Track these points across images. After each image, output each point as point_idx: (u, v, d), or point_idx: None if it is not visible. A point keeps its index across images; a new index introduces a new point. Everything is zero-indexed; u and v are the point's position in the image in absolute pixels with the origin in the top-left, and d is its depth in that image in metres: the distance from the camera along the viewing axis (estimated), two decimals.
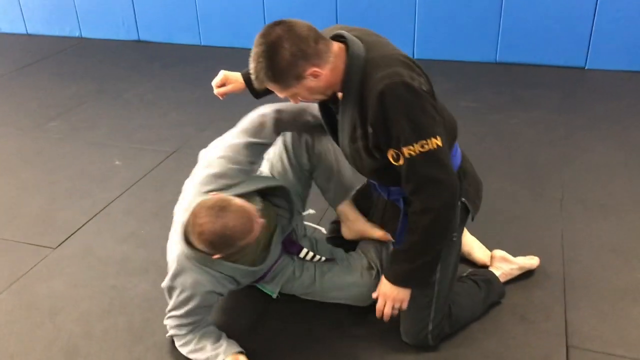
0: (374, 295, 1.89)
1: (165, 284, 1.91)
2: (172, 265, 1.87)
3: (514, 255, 2.30)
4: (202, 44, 5.43)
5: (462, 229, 2.05)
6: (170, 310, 1.96)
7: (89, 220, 2.80)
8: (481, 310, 2.11)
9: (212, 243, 1.70)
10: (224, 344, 1.93)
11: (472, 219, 1.98)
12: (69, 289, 2.36)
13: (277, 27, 1.58)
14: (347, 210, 2.18)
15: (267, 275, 2.06)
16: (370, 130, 1.67)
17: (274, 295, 2.11)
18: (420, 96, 1.60)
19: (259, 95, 2.15)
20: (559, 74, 4.41)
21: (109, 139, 3.64)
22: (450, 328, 2.01)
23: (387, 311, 1.86)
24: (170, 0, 5.36)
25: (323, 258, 2.11)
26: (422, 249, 1.74)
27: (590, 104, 3.89)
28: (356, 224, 2.16)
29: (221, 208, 1.69)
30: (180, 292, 1.87)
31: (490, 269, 2.26)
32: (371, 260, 2.11)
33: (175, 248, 1.86)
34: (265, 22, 5.11)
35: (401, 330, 2.01)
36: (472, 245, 2.37)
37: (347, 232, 2.21)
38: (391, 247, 2.09)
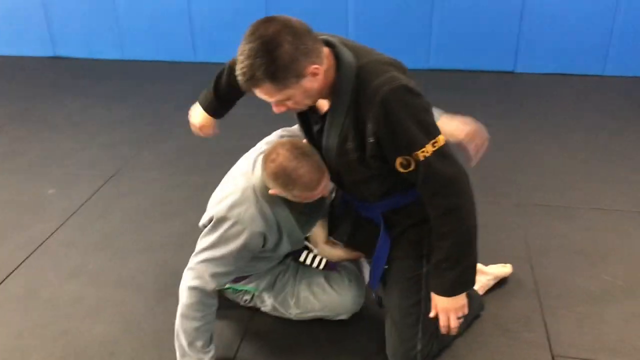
0: (432, 314, 1.78)
1: (216, 214, 1.81)
2: (232, 196, 1.80)
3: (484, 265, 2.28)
4: (125, 58, 5.17)
5: None
6: (204, 250, 1.83)
7: (27, 257, 2.54)
8: (464, 326, 2.07)
9: (275, 174, 1.70)
10: (209, 354, 1.88)
11: None
12: (12, 340, 2.10)
13: (271, 23, 1.45)
14: (320, 232, 2.10)
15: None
16: (371, 140, 1.58)
17: (256, 293, 2.12)
18: (420, 96, 1.57)
19: (220, 114, 2.06)
20: (490, 79, 4.53)
21: (37, 166, 3.35)
22: (438, 347, 1.95)
23: (453, 324, 1.76)
24: (88, 14, 5.06)
25: (324, 262, 2.09)
26: (461, 251, 1.67)
27: (525, 108, 4.00)
28: (332, 250, 2.11)
29: (304, 153, 1.71)
30: (232, 225, 1.78)
31: None
32: (351, 272, 2.14)
33: (241, 180, 1.83)
34: (192, 35, 4.88)
35: (388, 353, 1.92)
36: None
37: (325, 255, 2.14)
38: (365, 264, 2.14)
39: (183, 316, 1.87)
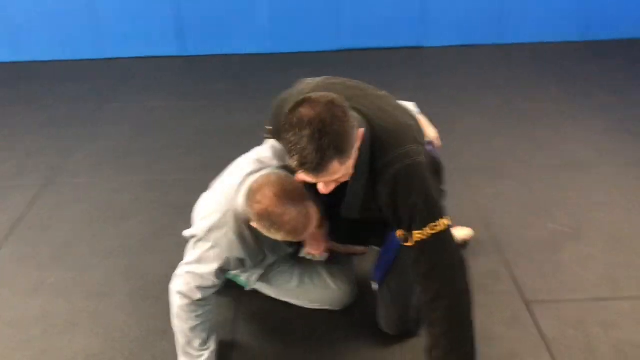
0: None
1: (197, 233, 1.79)
2: (212, 217, 1.77)
3: None
4: (20, 60, 4.81)
5: None
6: (189, 263, 1.80)
7: None
8: None
9: (259, 216, 1.63)
10: (207, 351, 1.86)
11: None
12: None
13: (311, 105, 1.41)
14: None
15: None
16: (383, 208, 1.63)
17: (247, 287, 2.14)
18: (428, 174, 1.59)
19: None
20: (400, 55, 4.71)
21: None
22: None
23: None
24: None
25: (323, 254, 2.09)
26: (454, 339, 1.61)
27: (437, 80, 4.21)
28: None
29: (292, 199, 1.61)
30: (211, 248, 1.77)
31: None
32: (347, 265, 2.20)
33: (224, 201, 1.78)
34: (97, 31, 4.57)
35: (383, 323, 2.00)
36: None
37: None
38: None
39: (177, 317, 1.84)
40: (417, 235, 1.57)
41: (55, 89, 4.19)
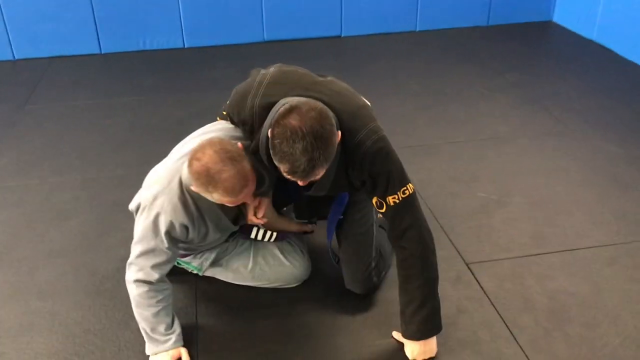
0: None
1: (142, 201, 1.85)
2: (158, 184, 1.84)
3: None
4: None
5: None
6: (137, 242, 1.85)
7: None
8: (386, 271, 2.25)
9: (197, 173, 1.67)
10: (174, 334, 1.91)
11: None
12: None
13: (300, 113, 1.54)
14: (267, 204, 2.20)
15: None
16: (357, 183, 1.82)
17: (200, 273, 2.20)
18: (392, 147, 1.79)
19: None
20: (321, 45, 4.83)
21: None
22: (384, 266, 2.20)
23: None
24: None
25: (274, 235, 2.16)
26: (425, 295, 1.84)
27: (358, 68, 4.35)
28: (276, 219, 2.22)
29: (232, 157, 1.68)
30: (156, 215, 1.80)
31: None
32: (300, 242, 2.29)
33: (172, 167, 1.86)
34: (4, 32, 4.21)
35: (347, 281, 2.14)
36: None
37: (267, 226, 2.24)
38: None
39: (138, 306, 1.88)
40: (391, 199, 1.77)
41: None
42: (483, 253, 2.40)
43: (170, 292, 1.94)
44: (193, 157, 1.70)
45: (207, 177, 1.67)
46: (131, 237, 1.90)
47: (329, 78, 1.92)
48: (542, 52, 4.67)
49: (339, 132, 1.65)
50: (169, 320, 1.91)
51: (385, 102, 3.75)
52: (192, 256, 2.18)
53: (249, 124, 1.84)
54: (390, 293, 2.12)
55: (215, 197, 1.72)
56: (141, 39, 4.65)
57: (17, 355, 1.96)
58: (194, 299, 2.18)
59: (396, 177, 1.77)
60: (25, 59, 4.57)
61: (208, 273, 2.23)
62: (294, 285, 2.22)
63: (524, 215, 2.63)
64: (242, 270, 2.19)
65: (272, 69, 1.88)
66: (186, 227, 1.85)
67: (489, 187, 2.84)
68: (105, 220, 2.64)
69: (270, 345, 1.98)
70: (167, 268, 1.90)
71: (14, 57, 4.57)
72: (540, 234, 2.51)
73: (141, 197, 1.89)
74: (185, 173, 1.79)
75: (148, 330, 1.89)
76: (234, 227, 2.06)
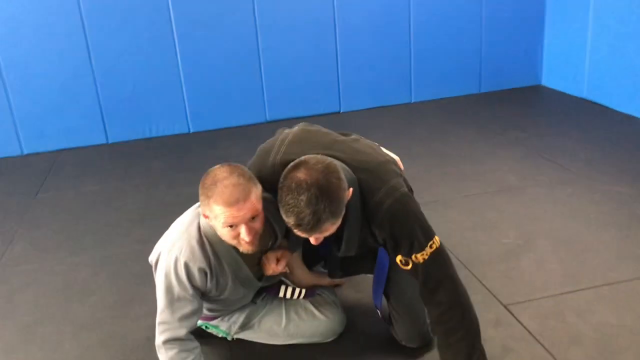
0: None
1: (163, 246, 1.83)
2: (175, 230, 1.85)
3: None
4: None
5: None
6: (161, 297, 1.80)
7: None
8: None
9: (204, 180, 1.70)
10: None
11: None
12: None
13: (307, 169, 1.57)
14: (296, 260, 2.19)
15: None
16: (380, 243, 1.79)
17: (229, 337, 2.13)
18: (414, 201, 1.78)
19: None
20: (322, 121, 4.92)
21: None
22: None
23: None
24: None
25: (304, 291, 2.07)
26: (471, 344, 1.77)
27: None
28: (306, 275, 2.25)
29: (242, 174, 1.69)
30: (175, 260, 1.77)
31: None
32: (332, 295, 2.23)
33: (188, 215, 1.88)
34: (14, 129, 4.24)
35: (401, 337, 2.05)
36: None
37: (297, 282, 2.24)
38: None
39: None
40: (420, 257, 1.72)
41: None
42: (519, 294, 2.36)
43: (200, 351, 1.88)
44: (206, 173, 1.73)
45: (210, 180, 1.67)
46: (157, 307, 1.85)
47: (353, 136, 1.95)
48: (537, 112, 4.81)
49: (351, 189, 1.65)
50: None
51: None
52: (220, 319, 2.13)
53: (269, 182, 1.79)
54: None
55: (212, 203, 1.65)
56: (147, 126, 4.74)
57: None
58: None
59: (421, 234, 1.72)
60: (34, 154, 4.62)
61: (241, 336, 2.16)
62: (331, 339, 2.15)
63: (551, 257, 2.61)
64: (275, 329, 2.12)
65: (295, 128, 1.93)
66: (205, 273, 1.80)
67: (511, 234, 2.83)
68: (128, 293, 2.58)
69: None
70: (194, 320, 1.85)
71: (22, 152, 4.63)
72: (572, 272, 2.48)
73: (160, 245, 1.87)
74: (203, 220, 1.78)
75: None
76: (257, 281, 2.00)
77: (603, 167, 3.52)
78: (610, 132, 4.12)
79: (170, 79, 4.68)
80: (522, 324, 2.18)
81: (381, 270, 2.01)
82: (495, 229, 2.89)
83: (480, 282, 2.46)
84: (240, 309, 2.11)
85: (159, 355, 1.83)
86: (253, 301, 2.13)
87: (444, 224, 2.95)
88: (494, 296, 2.36)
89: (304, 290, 2.17)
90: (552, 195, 3.22)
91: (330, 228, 1.60)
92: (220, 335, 2.16)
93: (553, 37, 5.22)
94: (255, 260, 1.95)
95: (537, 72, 5.44)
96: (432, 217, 2.99)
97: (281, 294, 2.17)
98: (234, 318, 2.11)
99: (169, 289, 1.78)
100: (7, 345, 2.29)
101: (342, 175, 1.61)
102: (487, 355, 1.86)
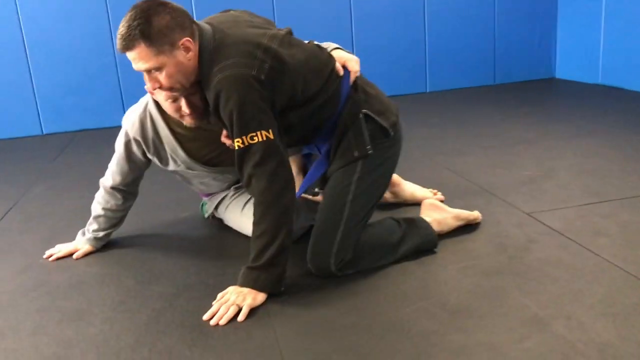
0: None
1: None
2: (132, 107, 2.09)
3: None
4: None
5: (386, 150, 1.93)
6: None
7: None
8: (401, 249, 1.93)
9: None
10: (93, 236, 2.17)
11: (392, 135, 1.93)
12: None
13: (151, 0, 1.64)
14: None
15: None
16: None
17: (206, 216, 2.41)
18: (248, 89, 1.63)
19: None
20: (411, 101, 4.97)
21: None
22: (355, 254, 1.85)
23: (224, 317, 1.66)
24: None
25: None
26: (269, 238, 1.72)
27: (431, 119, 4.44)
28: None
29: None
30: (121, 129, 2.07)
31: (420, 215, 2.10)
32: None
33: (142, 99, 2.06)
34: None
35: (308, 259, 1.87)
36: (413, 188, 2.45)
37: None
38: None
39: (95, 199, 2.19)
40: (236, 143, 1.66)
41: None
42: (542, 206, 2.32)
43: (121, 212, 2.18)
44: None
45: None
46: None
47: (283, 29, 1.86)
48: (553, 98, 4.82)
49: (190, 41, 1.65)
50: (102, 227, 2.17)
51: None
52: (209, 198, 2.33)
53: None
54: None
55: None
56: None
57: None
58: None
59: (237, 121, 1.64)
60: (53, 134, 4.68)
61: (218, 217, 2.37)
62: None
63: (574, 181, 2.59)
64: (232, 218, 2.25)
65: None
66: (139, 143, 2.03)
67: (531, 168, 2.81)
68: (137, 223, 2.56)
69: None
70: (119, 179, 2.10)
71: (42, 131, 4.70)
72: (594, 190, 2.45)
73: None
74: (152, 99, 1.98)
75: (90, 218, 2.19)
76: (199, 164, 2.08)
77: (623, 124, 3.51)
78: (628, 106, 4.11)
79: None
80: (545, 224, 2.13)
81: (314, 170, 1.96)
82: (514, 165, 2.87)
83: (503, 199, 2.42)
84: (221, 192, 2.29)
85: None
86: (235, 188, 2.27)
87: (461, 165, 2.94)
88: (517, 208, 2.32)
89: None
90: (570, 144, 3.20)
91: (146, 57, 1.62)
92: (205, 217, 2.42)
93: (566, 27, 5.29)
94: (200, 144, 2.05)
95: (551, 63, 5.48)
96: (448, 162, 3.01)
97: None
98: (214, 199, 2.31)
99: (117, 147, 2.09)
100: (26, 253, 2.28)
101: (181, 17, 1.65)
102: (513, 247, 1.84)
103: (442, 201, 2.37)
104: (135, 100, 2.09)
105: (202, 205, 2.45)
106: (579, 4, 5.09)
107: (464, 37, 5.27)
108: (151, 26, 1.59)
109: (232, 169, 2.12)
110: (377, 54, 5.09)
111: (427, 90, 5.30)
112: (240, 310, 1.66)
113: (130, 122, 2.03)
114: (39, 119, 4.68)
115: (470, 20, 5.24)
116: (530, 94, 4.84)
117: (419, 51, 5.22)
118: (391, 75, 5.17)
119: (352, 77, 1.89)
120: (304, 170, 2.35)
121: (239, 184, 2.25)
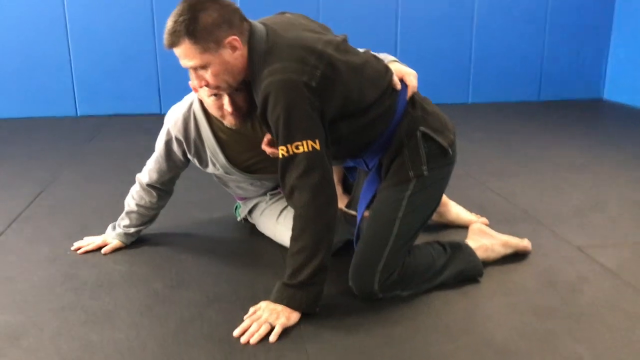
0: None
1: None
2: (174, 106, 2.04)
3: None
4: None
5: (441, 169, 1.84)
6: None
7: None
8: (444, 274, 1.83)
9: None
10: (125, 232, 2.12)
11: (451, 154, 1.85)
12: None
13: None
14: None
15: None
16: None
17: (239, 219, 2.34)
18: (298, 96, 1.55)
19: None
20: (453, 111, 4.81)
21: None
22: (399, 276, 1.75)
23: (255, 336, 1.57)
24: None
25: None
26: (309, 255, 1.62)
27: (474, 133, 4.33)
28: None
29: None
30: (163, 127, 2.01)
31: (467, 241, 2.00)
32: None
33: (187, 97, 2.01)
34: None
35: (349, 279, 1.78)
36: (458, 209, 2.34)
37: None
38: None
39: (129, 195, 2.14)
40: (280, 151, 1.58)
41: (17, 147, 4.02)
42: (594, 240, 2.20)
43: (154, 210, 2.13)
44: None
45: None
46: None
47: (341, 36, 1.76)
48: (600, 123, 4.65)
49: (237, 40, 1.57)
50: (134, 223, 2.12)
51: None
52: (244, 201, 2.26)
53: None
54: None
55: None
56: None
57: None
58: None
59: (283, 129, 1.55)
60: (87, 116, 4.66)
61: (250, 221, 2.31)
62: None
63: (624, 214, 2.46)
64: (267, 224, 2.18)
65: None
66: (181, 142, 1.97)
67: (579, 197, 2.68)
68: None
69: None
70: (156, 177, 2.05)
71: (77, 113, 4.68)
72: None
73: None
74: (197, 99, 1.93)
75: (123, 214, 2.14)
76: (237, 170, 2.01)
77: None
78: None
79: None
80: (598, 261, 2.01)
81: (367, 188, 1.86)
82: (563, 192, 2.74)
83: (551, 229, 2.29)
84: (257, 197, 2.21)
85: None
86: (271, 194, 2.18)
87: (506, 187, 2.82)
88: (567, 241, 2.19)
89: None
90: (620, 172, 3.06)
91: (190, 54, 1.56)
92: (238, 220, 2.36)
93: (619, 47, 5.09)
94: (240, 149, 1.98)
95: (600, 83, 5.29)
96: (492, 182, 2.89)
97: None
98: (248, 203, 2.24)
99: (157, 145, 2.04)
100: (54, 243, 2.23)
101: (230, 15, 1.57)
102: (564, 285, 1.73)
103: (486, 225, 2.25)
104: (171, 89, 2.05)
105: (236, 207, 2.37)
106: (637, 20, 4.88)
107: (511, 49, 5.11)
108: (197, 23, 1.53)
109: (271, 177, 2.06)
110: (421, 60, 4.95)
111: (470, 102, 5.16)
112: (272, 329, 1.58)
113: (173, 120, 1.97)
114: (75, 100, 4.66)
115: (519, 32, 5.09)
116: (578, 115, 4.67)
117: (464, 61, 5.09)
118: (434, 83, 5.01)
119: (410, 93, 1.80)
120: (343, 182, 2.27)
121: (275, 191, 2.17)
